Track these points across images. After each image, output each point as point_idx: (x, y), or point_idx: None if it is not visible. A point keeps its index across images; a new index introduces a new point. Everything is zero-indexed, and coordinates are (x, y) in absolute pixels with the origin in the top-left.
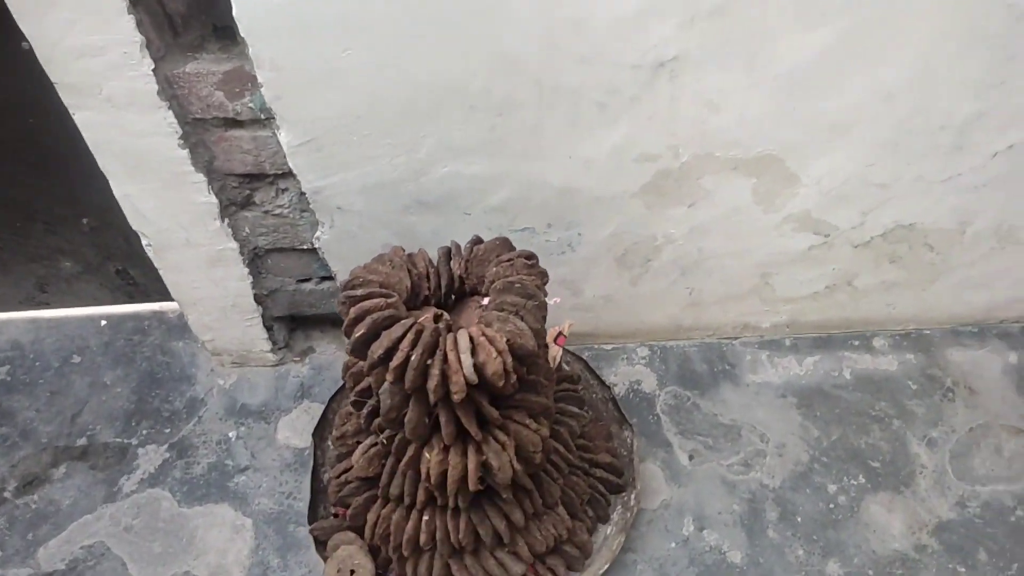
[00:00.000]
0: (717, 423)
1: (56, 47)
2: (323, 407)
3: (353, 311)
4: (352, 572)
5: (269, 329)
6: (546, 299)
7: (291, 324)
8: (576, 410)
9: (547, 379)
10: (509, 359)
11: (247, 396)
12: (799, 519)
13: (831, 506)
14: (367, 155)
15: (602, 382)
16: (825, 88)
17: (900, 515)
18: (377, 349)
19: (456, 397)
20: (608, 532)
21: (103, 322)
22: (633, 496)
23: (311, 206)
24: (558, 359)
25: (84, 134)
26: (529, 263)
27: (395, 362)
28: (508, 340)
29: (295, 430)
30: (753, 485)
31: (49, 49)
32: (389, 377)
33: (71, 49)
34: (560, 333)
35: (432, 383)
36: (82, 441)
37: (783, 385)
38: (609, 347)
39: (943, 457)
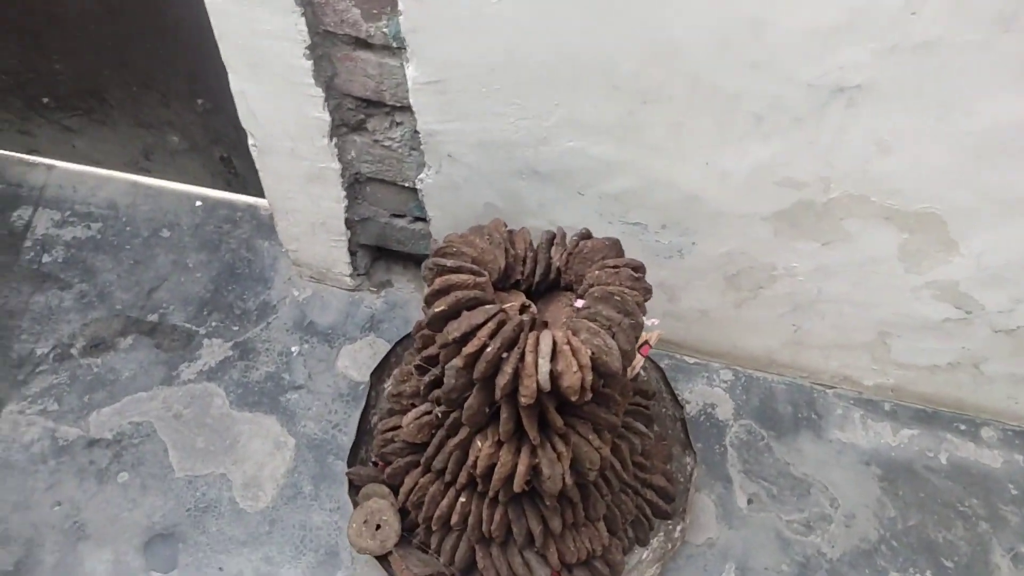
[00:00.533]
0: (787, 472)
1: None
2: (387, 348)
3: (438, 282)
4: (378, 526)
5: (353, 254)
6: (644, 319)
7: (375, 254)
8: (643, 428)
9: (622, 395)
10: (589, 376)
11: (317, 314)
12: None
13: None
14: (491, 110)
15: (676, 399)
16: (1018, 160)
17: None
18: (454, 331)
19: (524, 401)
20: (643, 557)
21: (198, 203)
22: (679, 528)
23: (422, 146)
24: (638, 369)
25: (212, 20)
26: (636, 276)
27: (469, 348)
28: (593, 355)
29: (355, 361)
30: (810, 549)
31: None
32: (459, 362)
33: None
34: (646, 342)
35: (502, 380)
36: (153, 317)
37: (870, 451)
38: (691, 361)
39: None
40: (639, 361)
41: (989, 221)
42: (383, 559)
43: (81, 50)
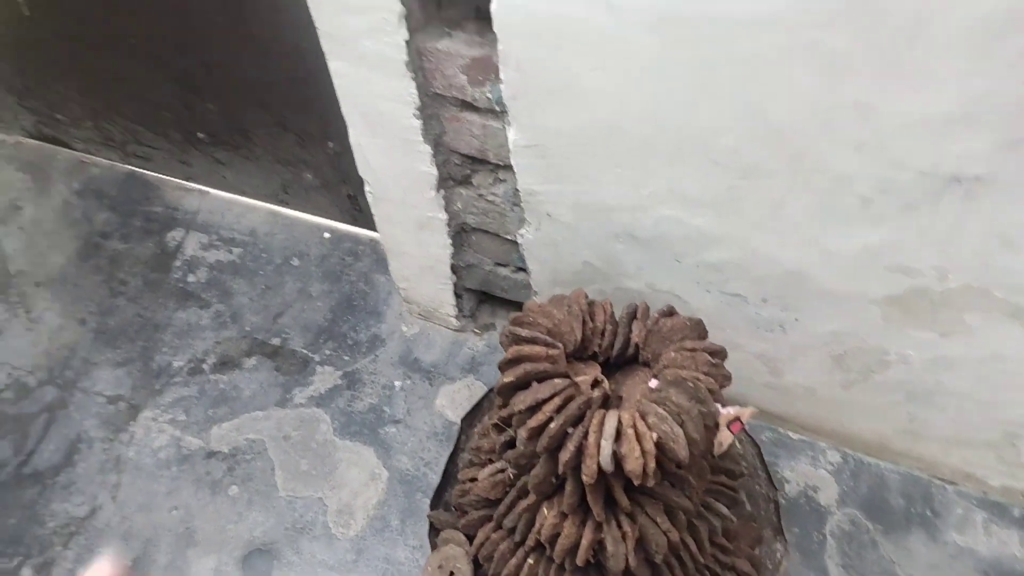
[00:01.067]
0: (892, 572)
1: None
2: (482, 393)
3: (511, 352)
4: (451, 573)
5: (459, 296)
6: (720, 407)
7: (480, 297)
8: (724, 511)
9: (698, 478)
10: (652, 462)
11: (422, 351)
12: None
13: None
14: (589, 176)
15: (771, 479)
16: None
17: None
18: (520, 403)
19: (585, 480)
20: None
21: (326, 234)
22: None
23: (522, 204)
24: (725, 447)
25: (334, 80)
26: (713, 361)
27: (533, 422)
28: (658, 441)
29: (452, 401)
30: None
31: None
32: (524, 433)
33: (338, 2)
34: (737, 419)
35: (565, 456)
36: (276, 341)
37: (990, 560)
38: (796, 437)
39: None
40: (728, 439)
41: None
42: None
43: (230, 93)
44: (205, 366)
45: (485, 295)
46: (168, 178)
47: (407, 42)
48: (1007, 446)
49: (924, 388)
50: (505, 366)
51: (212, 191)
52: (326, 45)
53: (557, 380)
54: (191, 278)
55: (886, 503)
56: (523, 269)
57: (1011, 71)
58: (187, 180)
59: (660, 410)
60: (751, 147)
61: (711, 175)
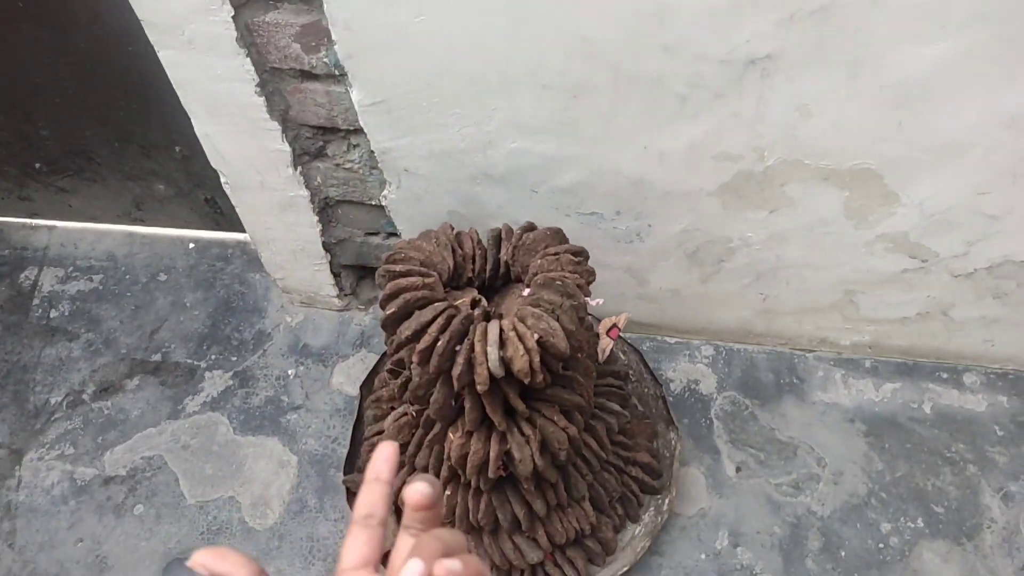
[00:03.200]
0: (773, 438)
1: None
2: (377, 359)
3: (389, 287)
4: None
5: (336, 275)
6: (589, 299)
7: (358, 273)
8: (617, 408)
9: (585, 376)
10: (537, 358)
11: (310, 337)
12: (843, 553)
13: (880, 546)
14: (435, 122)
15: (655, 379)
16: (938, 106)
17: (956, 568)
18: (405, 330)
19: (479, 388)
20: (635, 533)
21: (191, 245)
22: (667, 501)
23: (380, 165)
24: (607, 352)
25: (168, 72)
26: (576, 260)
27: (421, 345)
28: (539, 338)
29: (349, 377)
30: (800, 509)
31: None
32: (414, 359)
33: None
34: (614, 325)
35: (456, 371)
36: (157, 357)
37: (853, 409)
38: (672, 340)
39: (1018, 514)
40: (608, 344)
41: (922, 169)
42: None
43: (62, 115)
44: (85, 396)
45: (363, 270)
46: (10, 219)
47: (233, 18)
48: (847, 304)
49: (768, 266)
50: (385, 301)
51: (60, 223)
52: (153, 35)
53: (437, 303)
54: (53, 313)
55: (758, 380)
56: (394, 234)
57: None
58: (31, 217)
59: (536, 311)
60: (574, 66)
61: (544, 100)
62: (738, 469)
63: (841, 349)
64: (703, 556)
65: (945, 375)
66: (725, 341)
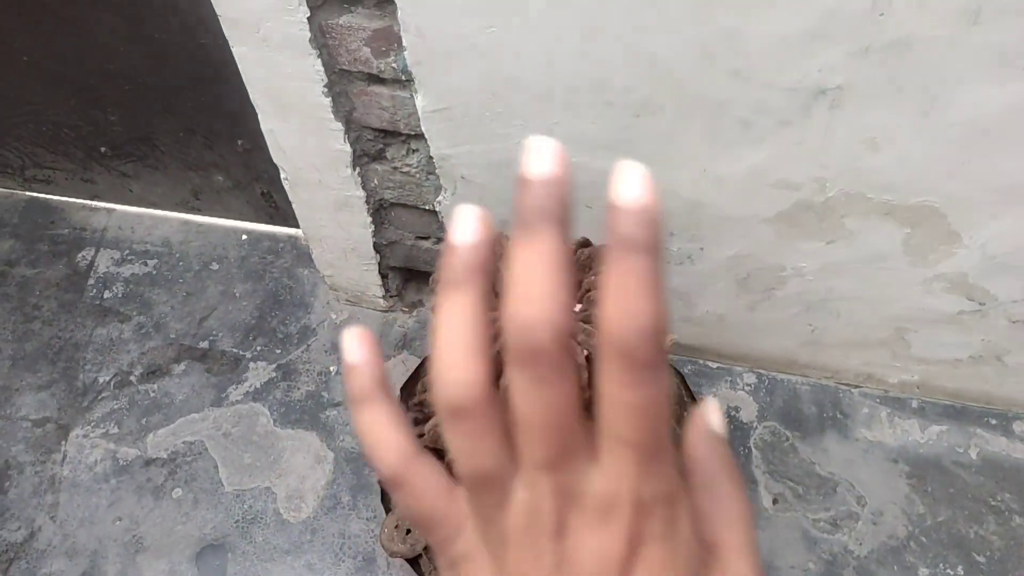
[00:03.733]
0: (813, 472)
1: None
2: (418, 363)
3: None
4: (408, 531)
5: (384, 276)
6: None
7: (406, 276)
8: None
9: None
10: (586, 375)
11: None
12: None
13: None
14: (496, 132)
15: (695, 403)
16: (1007, 148)
17: None
18: None
19: None
20: None
21: (244, 236)
22: None
23: (437, 171)
24: None
25: (240, 67)
26: None
27: None
28: (588, 355)
29: (389, 378)
30: (836, 547)
31: None
32: None
33: None
34: None
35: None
36: (204, 344)
37: (897, 449)
38: (715, 366)
39: None
40: None
41: (987, 210)
42: (414, 562)
43: (131, 101)
44: (132, 377)
45: (410, 272)
46: (72, 199)
47: (308, 19)
48: (898, 341)
49: (818, 297)
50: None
51: (119, 207)
52: (228, 31)
53: (490, 312)
54: (107, 294)
55: (800, 412)
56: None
57: None
58: (92, 199)
59: (587, 327)
60: (639, 85)
61: (606, 117)
62: (775, 501)
63: (888, 387)
64: None
65: (994, 421)
66: (768, 370)
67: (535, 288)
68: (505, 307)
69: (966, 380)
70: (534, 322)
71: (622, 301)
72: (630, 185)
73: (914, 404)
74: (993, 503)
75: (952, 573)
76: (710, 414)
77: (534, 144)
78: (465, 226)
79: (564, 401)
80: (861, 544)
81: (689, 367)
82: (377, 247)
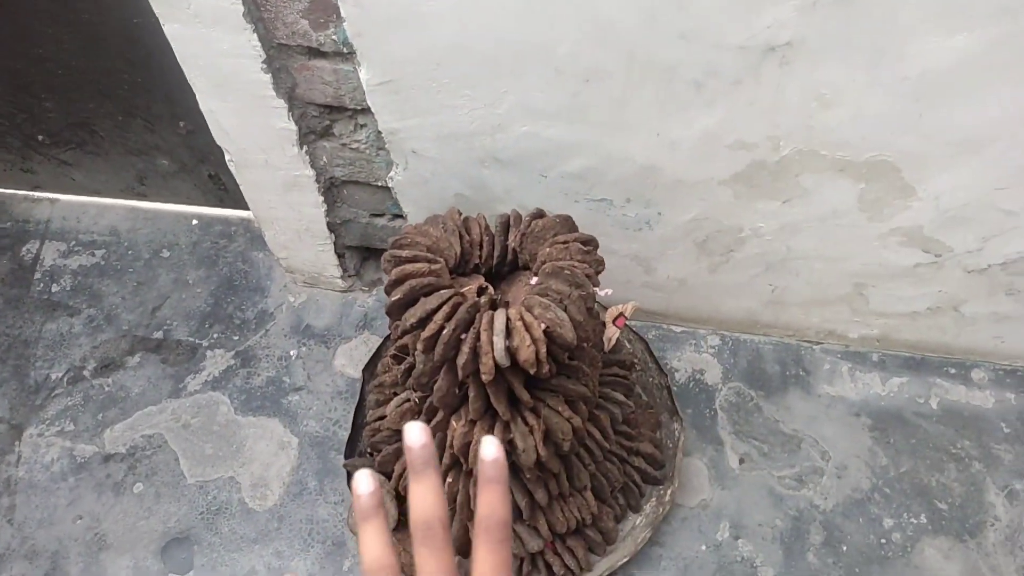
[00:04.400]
0: (777, 430)
1: None
2: (380, 342)
3: (394, 272)
4: None
5: (340, 256)
6: (597, 290)
7: (363, 254)
8: (621, 398)
9: (591, 366)
10: (544, 348)
11: (313, 317)
12: (844, 548)
13: (883, 541)
14: (444, 104)
15: (660, 368)
16: (960, 99)
17: (957, 565)
18: (410, 317)
19: (484, 378)
20: (637, 523)
21: (194, 221)
22: (669, 491)
23: (387, 146)
24: (613, 341)
25: (173, 45)
26: (585, 249)
27: (426, 333)
28: (546, 328)
29: (351, 359)
30: (802, 503)
31: None
32: (419, 347)
33: None
34: (620, 314)
35: (462, 359)
36: (158, 334)
37: (859, 403)
38: (679, 329)
39: (1022, 513)
40: (614, 333)
41: (941, 163)
42: None
43: (66, 87)
44: (86, 372)
45: (368, 251)
46: (12, 191)
47: None
48: (857, 297)
49: (778, 257)
50: (391, 287)
51: (62, 197)
52: (159, 8)
53: (443, 290)
54: (55, 288)
55: (764, 372)
56: (400, 215)
57: None
58: (33, 190)
59: (544, 300)
60: (588, 50)
61: (556, 84)
62: (741, 461)
63: (849, 342)
64: (704, 547)
65: (953, 370)
66: (731, 331)
67: (428, 502)
68: (411, 513)
69: (925, 332)
70: (429, 518)
71: (487, 507)
72: (487, 449)
73: (875, 358)
74: (953, 451)
75: (915, 522)
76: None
77: (408, 429)
78: (361, 483)
79: (445, 565)
80: (826, 499)
81: (653, 332)
82: (331, 226)
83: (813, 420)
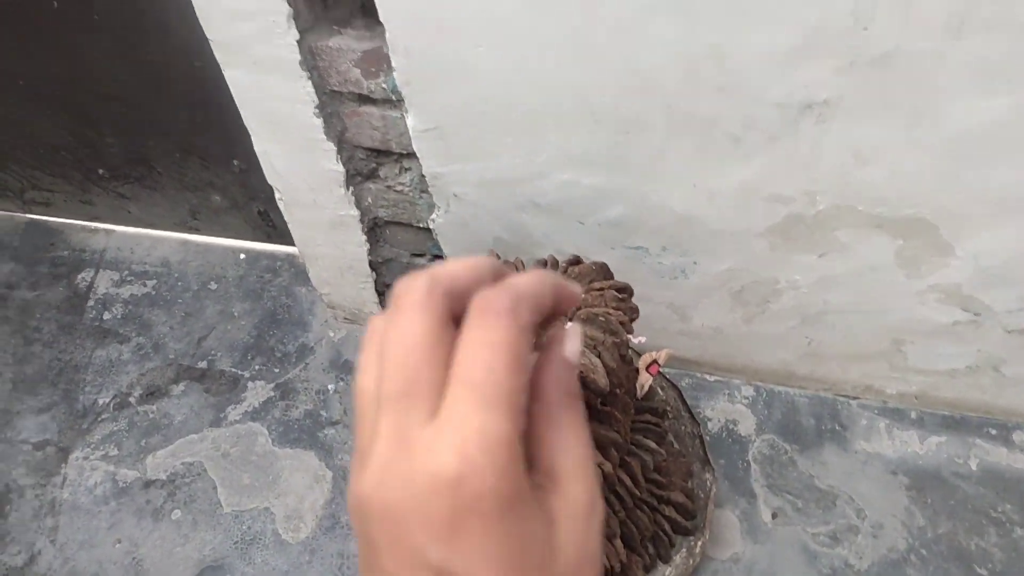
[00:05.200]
0: (812, 485)
1: (214, 5)
2: None
3: None
4: None
5: (381, 294)
6: (631, 337)
7: None
8: (653, 445)
9: (623, 412)
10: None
11: (352, 353)
12: None
13: None
14: (487, 150)
15: (693, 417)
16: (998, 159)
17: None
18: None
19: None
20: (666, 574)
21: (242, 255)
22: (700, 543)
23: (430, 189)
24: (646, 387)
25: (232, 90)
26: (620, 296)
27: None
28: (580, 374)
29: None
30: (836, 561)
31: (207, 6)
32: None
33: (226, 10)
34: (654, 361)
35: None
36: (203, 364)
37: (896, 461)
38: (712, 379)
39: None
40: (648, 380)
41: (979, 222)
42: None
43: (127, 123)
44: (132, 399)
45: None
46: (71, 221)
47: (298, 42)
48: (895, 353)
49: (815, 310)
50: None
51: (118, 228)
52: (220, 55)
53: None
54: (107, 315)
55: (799, 425)
56: (439, 256)
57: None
58: (91, 220)
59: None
60: (627, 101)
61: (596, 133)
62: (774, 515)
63: (887, 398)
64: None
65: (993, 431)
66: (766, 382)
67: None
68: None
69: (964, 390)
70: (416, 280)
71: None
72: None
73: (913, 415)
74: (994, 514)
75: None
76: (568, 340)
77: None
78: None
79: (413, 340)
80: (861, 558)
81: (686, 380)
82: (373, 265)
83: (849, 477)
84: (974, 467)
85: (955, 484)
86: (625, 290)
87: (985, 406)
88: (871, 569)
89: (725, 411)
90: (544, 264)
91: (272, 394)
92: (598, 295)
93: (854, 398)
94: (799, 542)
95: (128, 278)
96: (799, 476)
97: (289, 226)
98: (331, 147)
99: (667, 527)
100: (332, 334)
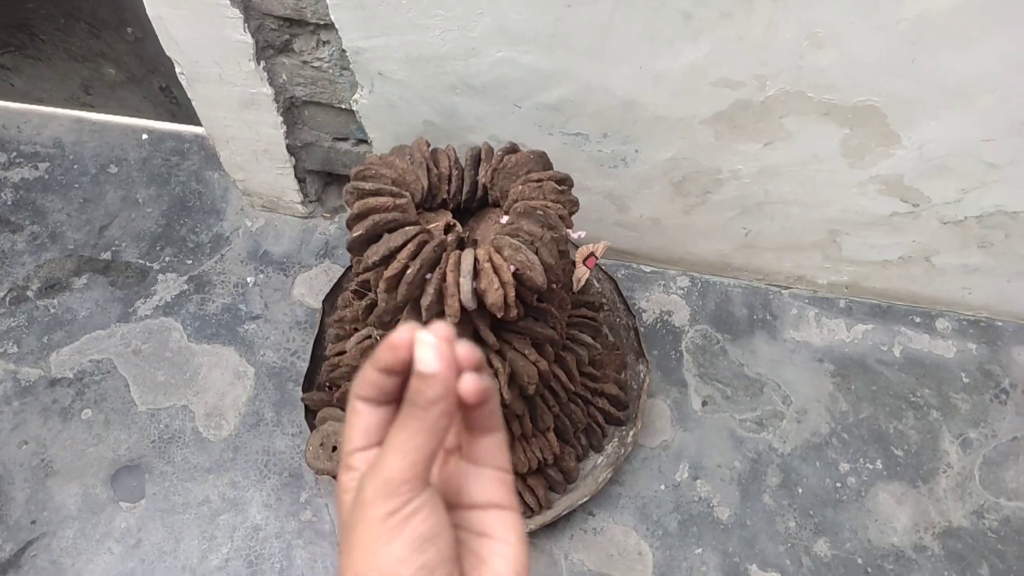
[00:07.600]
0: (741, 373)
1: None
2: (341, 273)
3: (357, 206)
4: (334, 448)
5: (301, 181)
6: (570, 231)
7: (325, 179)
8: (589, 340)
9: (559, 308)
10: (512, 292)
11: (271, 243)
12: (800, 490)
13: (837, 485)
14: (414, 23)
15: (628, 309)
16: (957, 46)
17: (908, 510)
18: (373, 254)
19: (449, 320)
20: (598, 463)
21: (144, 136)
22: (632, 432)
23: (351, 65)
24: (583, 281)
25: None
26: (559, 188)
27: (389, 272)
28: (516, 271)
29: (311, 288)
30: (761, 445)
31: None
32: (382, 286)
33: None
34: (591, 254)
35: (426, 300)
36: (106, 255)
37: (823, 349)
38: (648, 270)
39: (974, 461)
40: (584, 273)
41: (929, 110)
42: None
43: None
44: (29, 292)
45: (330, 176)
46: None
47: None
48: (830, 244)
49: (755, 200)
50: (353, 221)
51: (1, 103)
52: None
53: (408, 227)
54: None
55: (731, 315)
56: (364, 141)
57: None
58: None
59: (514, 241)
60: None
61: (536, 6)
62: (704, 403)
63: (817, 288)
64: (662, 487)
65: (918, 319)
66: (702, 273)
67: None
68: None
69: (894, 280)
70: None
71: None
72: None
73: (842, 304)
74: (913, 399)
75: (871, 467)
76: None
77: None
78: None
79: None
80: (785, 442)
81: (623, 271)
82: (291, 149)
83: (777, 365)
84: (897, 354)
85: (878, 371)
86: (564, 181)
87: (913, 296)
88: (794, 452)
89: (660, 302)
90: (478, 153)
91: (185, 287)
92: (536, 186)
93: (786, 288)
94: (727, 428)
95: (17, 160)
96: (729, 365)
97: (193, 104)
98: (236, 14)
99: (600, 419)
100: (249, 223)
